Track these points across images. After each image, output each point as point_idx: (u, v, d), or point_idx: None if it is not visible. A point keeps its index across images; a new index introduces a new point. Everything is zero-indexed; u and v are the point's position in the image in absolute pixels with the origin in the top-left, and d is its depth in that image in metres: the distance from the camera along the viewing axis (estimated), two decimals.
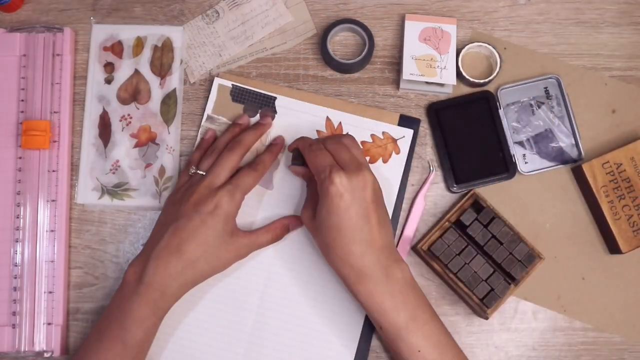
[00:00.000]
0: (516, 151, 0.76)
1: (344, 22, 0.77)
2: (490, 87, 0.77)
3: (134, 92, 0.78)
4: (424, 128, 0.77)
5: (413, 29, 0.76)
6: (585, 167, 0.73)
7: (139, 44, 0.78)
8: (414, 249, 0.74)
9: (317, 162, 0.66)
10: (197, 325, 0.72)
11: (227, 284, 0.73)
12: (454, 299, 0.74)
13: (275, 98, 0.76)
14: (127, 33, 0.79)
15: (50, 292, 0.73)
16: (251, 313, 0.73)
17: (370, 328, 0.73)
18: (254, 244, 0.70)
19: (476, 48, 0.77)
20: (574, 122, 0.76)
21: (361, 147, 0.70)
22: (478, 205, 0.74)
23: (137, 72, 0.78)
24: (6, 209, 0.74)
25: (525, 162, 0.76)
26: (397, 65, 0.78)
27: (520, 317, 0.74)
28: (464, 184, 0.75)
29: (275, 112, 0.76)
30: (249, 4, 0.79)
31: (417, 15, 0.77)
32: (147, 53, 0.78)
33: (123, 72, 0.78)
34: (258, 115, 0.76)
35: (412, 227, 0.75)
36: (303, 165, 0.72)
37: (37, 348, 0.72)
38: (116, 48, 0.78)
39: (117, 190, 0.76)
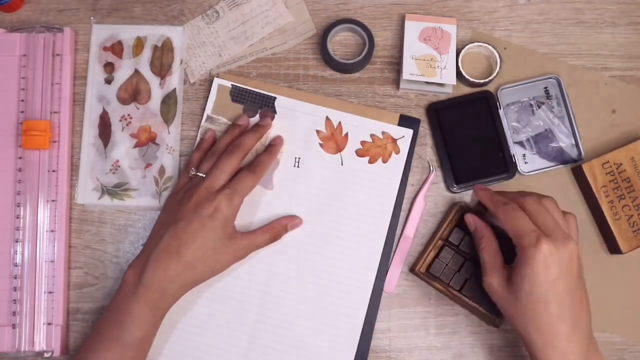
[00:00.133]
0: (516, 151, 0.76)
1: (344, 22, 0.77)
2: (490, 87, 0.77)
3: (134, 92, 0.78)
4: (424, 128, 0.77)
5: (413, 29, 0.76)
6: (585, 167, 0.73)
7: (139, 44, 0.78)
8: (412, 271, 0.74)
9: (518, 225, 0.62)
10: (197, 324, 0.72)
11: (227, 284, 0.73)
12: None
13: (275, 98, 0.76)
14: (127, 33, 0.79)
15: (50, 292, 0.73)
16: (251, 313, 0.73)
17: (370, 328, 0.73)
18: (252, 245, 0.71)
19: (476, 48, 0.77)
20: (574, 122, 0.76)
21: (560, 211, 0.65)
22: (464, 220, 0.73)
23: (137, 72, 0.78)
24: (6, 209, 0.74)
25: (525, 162, 0.76)
26: (397, 65, 0.78)
27: None
28: (464, 184, 0.75)
29: (275, 112, 0.76)
30: (249, 4, 0.79)
31: (417, 15, 0.77)
32: (147, 53, 0.78)
33: (123, 72, 0.78)
34: (258, 115, 0.76)
35: (412, 227, 0.75)
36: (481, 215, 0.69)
37: (37, 348, 0.72)
38: (116, 48, 0.78)
39: (117, 190, 0.76)
